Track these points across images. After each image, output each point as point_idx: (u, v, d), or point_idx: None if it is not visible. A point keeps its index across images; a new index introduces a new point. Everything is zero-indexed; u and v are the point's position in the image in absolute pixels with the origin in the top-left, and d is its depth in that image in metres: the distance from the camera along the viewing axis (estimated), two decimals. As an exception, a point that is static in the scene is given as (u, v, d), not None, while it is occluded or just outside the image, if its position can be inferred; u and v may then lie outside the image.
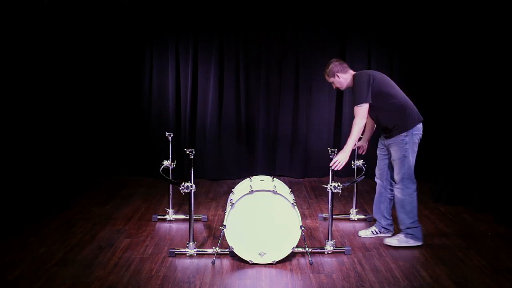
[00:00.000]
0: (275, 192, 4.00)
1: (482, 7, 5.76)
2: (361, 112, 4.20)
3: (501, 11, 5.44)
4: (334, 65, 4.38)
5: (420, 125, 4.33)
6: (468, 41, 5.97)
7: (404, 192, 4.32)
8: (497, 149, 5.37)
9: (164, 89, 6.82)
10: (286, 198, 4.01)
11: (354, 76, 4.36)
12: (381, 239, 4.59)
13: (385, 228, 4.64)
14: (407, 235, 4.40)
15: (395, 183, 4.40)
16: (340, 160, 4.19)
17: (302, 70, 6.85)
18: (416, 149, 4.34)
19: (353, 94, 4.29)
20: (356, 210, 5.20)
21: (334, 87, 4.56)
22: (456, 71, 6.15)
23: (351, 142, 4.24)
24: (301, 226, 4.01)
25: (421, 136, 4.35)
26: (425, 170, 6.68)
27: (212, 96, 6.80)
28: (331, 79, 4.44)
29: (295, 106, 6.92)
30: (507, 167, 5.17)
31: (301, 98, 6.91)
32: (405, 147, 4.26)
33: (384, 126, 4.37)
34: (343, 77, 4.39)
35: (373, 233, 4.67)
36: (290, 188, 4.51)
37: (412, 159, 4.31)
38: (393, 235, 4.59)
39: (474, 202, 5.49)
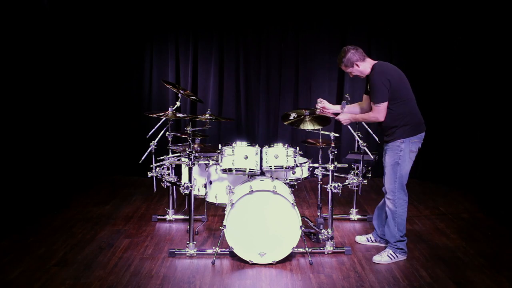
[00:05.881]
0: (275, 192, 4.00)
1: (482, 2, 5.76)
2: (380, 111, 3.97)
3: (501, 6, 5.44)
4: (352, 54, 4.00)
5: (422, 135, 4.08)
6: (470, 36, 5.96)
7: (397, 204, 4.07)
8: (497, 149, 5.37)
9: (164, 89, 6.82)
10: (286, 198, 4.01)
11: (373, 68, 4.02)
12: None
13: (380, 238, 4.43)
14: (397, 249, 4.13)
15: (386, 193, 4.14)
16: (340, 118, 4.16)
17: (302, 69, 6.85)
18: (413, 159, 4.08)
19: (371, 91, 4.00)
20: (356, 210, 5.19)
21: (352, 76, 4.17)
22: (457, 67, 6.13)
23: (358, 117, 4.18)
24: (301, 226, 4.01)
25: (420, 146, 4.10)
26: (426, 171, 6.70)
27: (212, 95, 6.79)
28: (349, 69, 4.08)
29: (295, 105, 6.91)
30: (507, 167, 5.17)
31: (301, 98, 6.90)
32: (399, 154, 4.02)
33: (384, 127, 4.10)
34: (363, 66, 4.04)
35: (368, 240, 4.51)
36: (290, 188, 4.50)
37: (406, 168, 4.06)
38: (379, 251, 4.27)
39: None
